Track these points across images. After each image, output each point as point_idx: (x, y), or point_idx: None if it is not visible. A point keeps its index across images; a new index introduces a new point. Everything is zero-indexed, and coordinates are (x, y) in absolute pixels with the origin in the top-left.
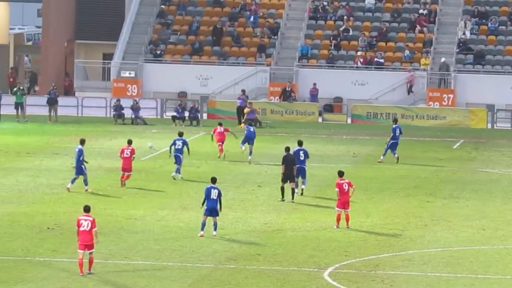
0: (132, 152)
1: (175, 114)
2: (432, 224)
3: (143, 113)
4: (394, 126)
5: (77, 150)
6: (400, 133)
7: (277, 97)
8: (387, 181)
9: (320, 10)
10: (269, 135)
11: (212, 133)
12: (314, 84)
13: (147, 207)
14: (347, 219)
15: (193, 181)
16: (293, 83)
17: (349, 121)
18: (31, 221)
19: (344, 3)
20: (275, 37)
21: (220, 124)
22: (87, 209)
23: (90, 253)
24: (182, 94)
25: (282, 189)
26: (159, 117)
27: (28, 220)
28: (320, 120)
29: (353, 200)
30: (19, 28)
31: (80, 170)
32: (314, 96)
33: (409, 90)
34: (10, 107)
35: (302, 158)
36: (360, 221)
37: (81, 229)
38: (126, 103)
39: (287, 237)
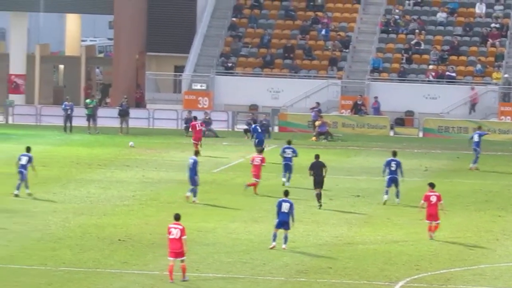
0: (263, 160)
1: (246, 127)
2: (504, 238)
3: (214, 126)
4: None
5: (192, 161)
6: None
7: (349, 111)
8: (458, 195)
9: (392, 24)
10: (340, 149)
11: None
12: (376, 97)
13: (218, 219)
14: (433, 230)
15: (264, 195)
16: (365, 97)
17: (420, 134)
18: (102, 232)
19: (415, 17)
20: (347, 50)
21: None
22: (177, 217)
23: (182, 261)
24: (253, 107)
25: (317, 195)
26: (230, 129)
27: (99, 232)
28: (391, 133)
29: (422, 216)
30: (90, 40)
31: (193, 181)
32: (376, 109)
33: (472, 109)
34: (82, 118)
35: (393, 168)
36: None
37: (171, 237)
38: (197, 115)
39: (358, 251)
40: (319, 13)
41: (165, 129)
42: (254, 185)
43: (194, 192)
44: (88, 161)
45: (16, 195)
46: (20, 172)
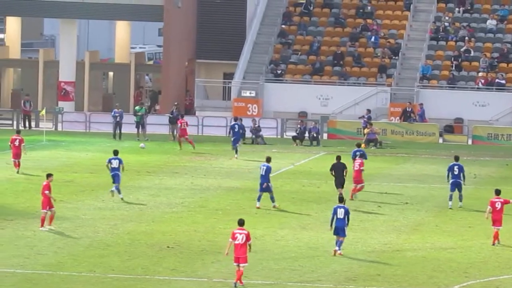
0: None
1: (295, 134)
2: None
3: (263, 133)
4: None
5: (265, 167)
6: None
7: (398, 118)
8: None
9: (441, 31)
10: (389, 156)
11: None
12: (421, 104)
13: (266, 226)
14: (497, 237)
15: (313, 201)
16: (414, 104)
17: (469, 142)
18: (150, 239)
19: (465, 24)
20: (396, 57)
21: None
22: (241, 223)
23: (242, 267)
24: (302, 114)
25: (340, 195)
26: (279, 136)
27: (147, 239)
28: (440, 141)
29: (471, 223)
30: (140, 47)
31: (267, 187)
32: (420, 116)
33: None
34: (131, 125)
35: (456, 173)
36: (480, 242)
37: (236, 242)
38: (246, 122)
39: (407, 258)
40: (369, 20)
41: (214, 136)
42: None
43: (271, 198)
44: (137, 168)
45: (112, 193)
46: (116, 175)
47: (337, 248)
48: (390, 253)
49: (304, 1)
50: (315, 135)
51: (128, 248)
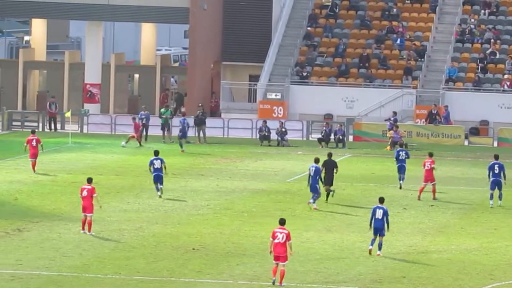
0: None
1: (321, 136)
2: None
3: (289, 135)
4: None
5: (314, 169)
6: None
7: (423, 120)
8: None
9: (467, 33)
10: (414, 158)
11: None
12: (446, 106)
13: (291, 228)
14: None
15: (338, 204)
16: (439, 106)
17: (495, 144)
18: (176, 242)
19: (491, 26)
20: (422, 59)
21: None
22: (282, 222)
23: (283, 266)
24: (328, 116)
25: (327, 191)
26: (304, 139)
27: (173, 241)
28: (466, 143)
29: (497, 225)
30: (165, 50)
31: (315, 189)
32: (445, 118)
33: None
34: (157, 128)
35: (496, 171)
36: (506, 244)
37: (276, 241)
38: (272, 124)
39: (432, 260)
40: (394, 23)
41: (239, 138)
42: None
43: (315, 199)
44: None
45: (160, 195)
46: (159, 176)
47: (375, 249)
48: (415, 255)
49: (330, 3)
50: (341, 137)
51: (154, 250)
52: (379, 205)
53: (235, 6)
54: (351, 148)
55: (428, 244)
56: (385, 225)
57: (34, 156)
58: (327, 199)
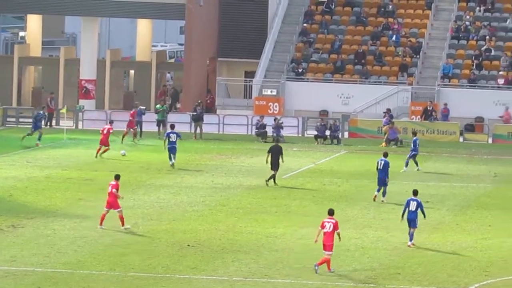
0: None
1: (316, 132)
2: None
3: (285, 132)
4: (414, 138)
5: (383, 162)
6: (418, 145)
7: (419, 117)
8: None
9: (463, 30)
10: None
11: None
12: (445, 104)
13: (287, 225)
14: None
15: (333, 200)
16: (435, 103)
17: (490, 141)
18: (171, 238)
19: (486, 23)
20: (417, 56)
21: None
22: (331, 212)
23: (327, 254)
24: (323, 113)
25: (272, 176)
26: (300, 135)
27: (168, 237)
28: (461, 139)
29: (492, 221)
30: (161, 46)
31: (383, 182)
32: (445, 116)
33: None
34: (152, 124)
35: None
36: (501, 240)
37: (324, 230)
38: (267, 121)
39: (427, 257)
40: (390, 19)
41: (235, 135)
42: None
43: (383, 193)
44: (158, 166)
45: (172, 164)
46: (173, 148)
47: (408, 241)
48: (410, 251)
49: (326, 0)
50: (335, 134)
51: (149, 247)
52: (413, 197)
53: (231, 2)
54: (347, 145)
55: (423, 241)
56: (419, 216)
57: (102, 143)
58: (274, 182)
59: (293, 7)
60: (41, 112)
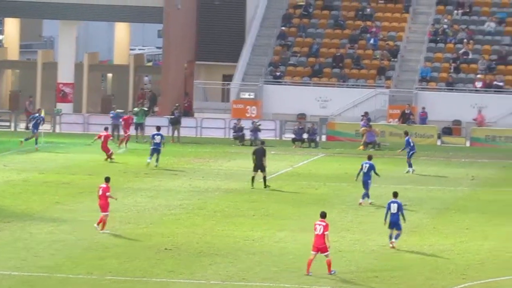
0: None
1: (294, 136)
2: None
3: (262, 135)
4: (406, 138)
5: (368, 165)
6: (413, 143)
7: (396, 120)
8: (506, 204)
9: (440, 33)
10: (388, 158)
11: None
12: (423, 108)
13: (265, 228)
14: None
15: (311, 203)
16: (413, 106)
17: (468, 144)
18: (149, 241)
19: (464, 26)
20: (395, 59)
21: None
22: (322, 215)
23: (326, 256)
24: (301, 116)
25: (253, 178)
26: (278, 138)
27: (146, 241)
28: (439, 143)
29: (469, 225)
30: (139, 49)
31: (368, 184)
32: (423, 119)
33: None
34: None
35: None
36: (478, 243)
37: (316, 232)
38: (245, 124)
39: (405, 260)
40: (368, 23)
41: (213, 138)
42: None
43: (366, 195)
44: (136, 169)
45: (148, 164)
46: (156, 150)
47: (393, 240)
48: (388, 255)
49: (304, 3)
50: (313, 137)
51: (126, 250)
52: (394, 200)
53: (210, 6)
54: (325, 148)
55: (400, 244)
56: (401, 218)
57: (103, 149)
58: (265, 185)
59: (271, 11)
60: (42, 115)
